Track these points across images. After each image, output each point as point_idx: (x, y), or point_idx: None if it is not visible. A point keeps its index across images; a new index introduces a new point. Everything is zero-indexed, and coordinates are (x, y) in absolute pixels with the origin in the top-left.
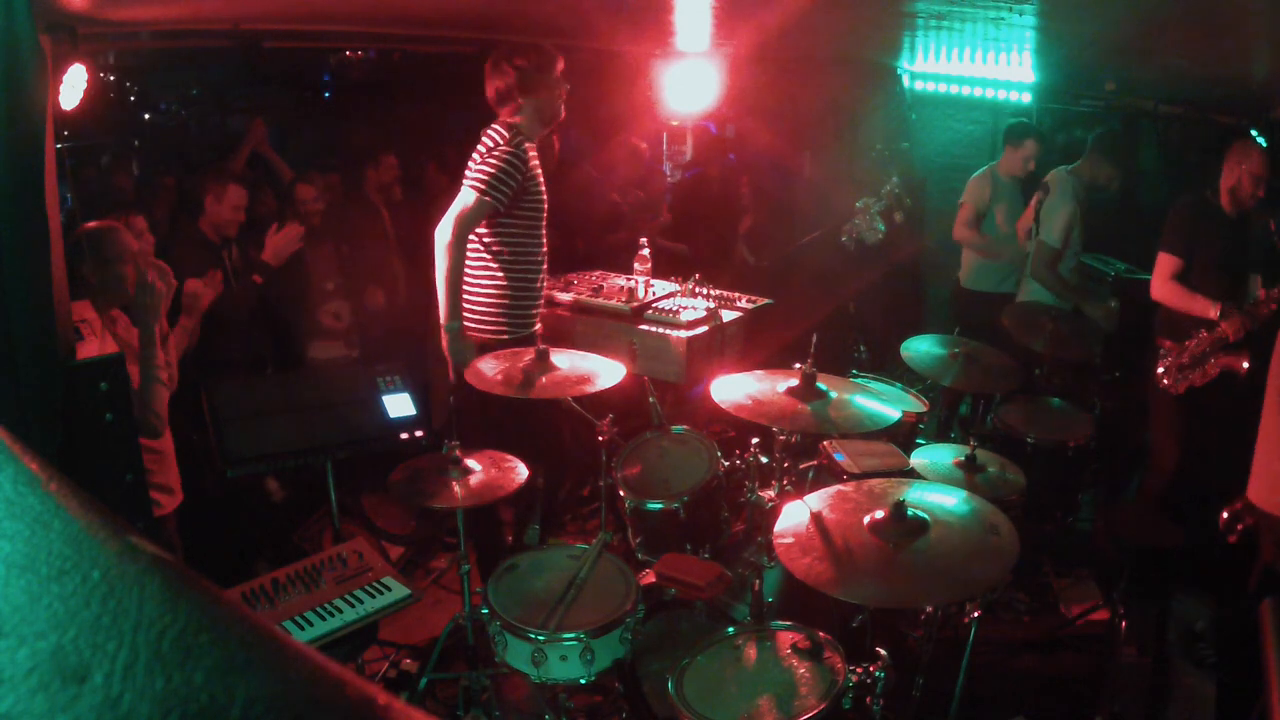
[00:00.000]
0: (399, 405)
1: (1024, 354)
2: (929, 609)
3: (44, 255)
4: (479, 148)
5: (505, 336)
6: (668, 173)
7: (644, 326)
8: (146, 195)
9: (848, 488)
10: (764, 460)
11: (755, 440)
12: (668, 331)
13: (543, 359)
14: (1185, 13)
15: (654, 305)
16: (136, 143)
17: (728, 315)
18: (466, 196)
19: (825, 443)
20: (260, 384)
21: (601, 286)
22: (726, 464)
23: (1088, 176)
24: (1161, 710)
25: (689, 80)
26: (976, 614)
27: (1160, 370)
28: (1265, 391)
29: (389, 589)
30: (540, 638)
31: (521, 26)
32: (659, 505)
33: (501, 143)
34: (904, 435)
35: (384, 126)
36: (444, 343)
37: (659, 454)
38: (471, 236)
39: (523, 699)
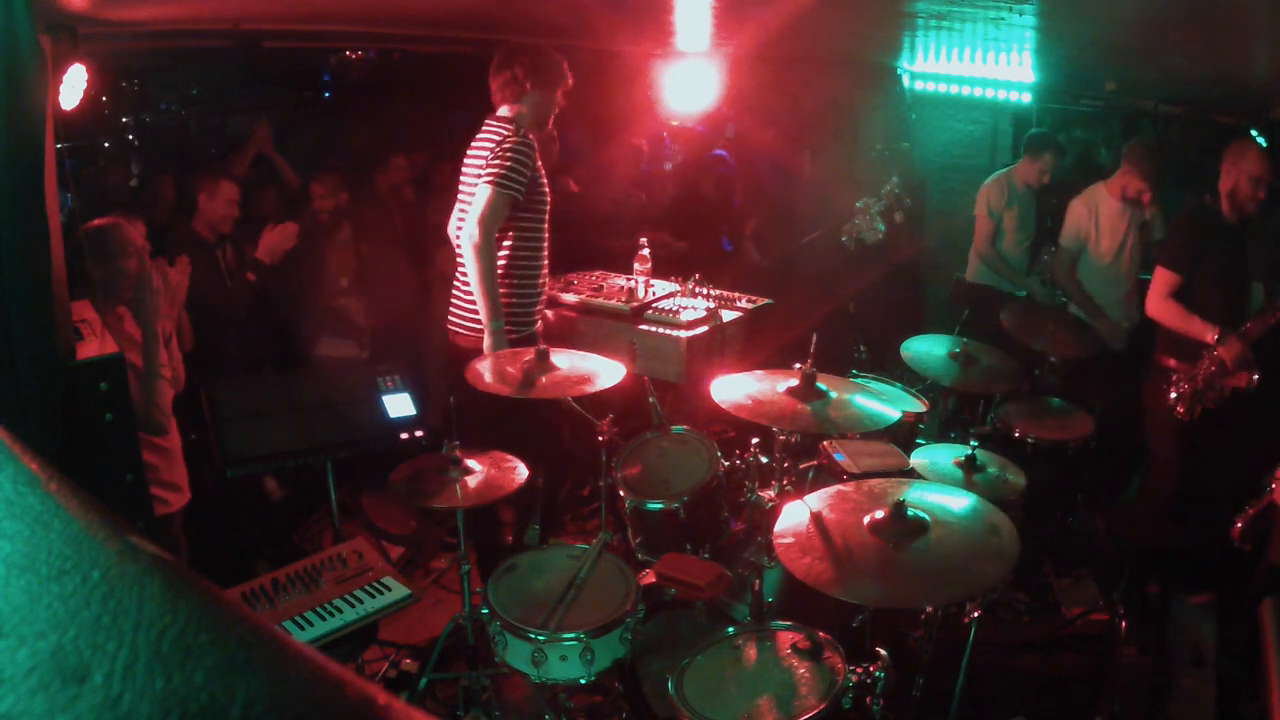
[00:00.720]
0: (399, 405)
1: (1024, 354)
2: (929, 609)
3: (44, 255)
4: (483, 143)
5: (513, 335)
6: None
7: (644, 326)
8: (145, 196)
9: (848, 488)
10: (764, 460)
11: (755, 440)
12: (668, 331)
13: (543, 359)
14: (1185, 13)
15: (654, 305)
16: (136, 143)
17: (728, 315)
18: (486, 193)
19: (825, 443)
20: (260, 384)
21: (601, 286)
22: (726, 464)
23: (1118, 189)
24: (1161, 710)
25: (689, 80)
26: (976, 614)
27: (1174, 396)
28: None
29: (389, 589)
30: (540, 638)
31: (521, 26)
32: (659, 505)
33: (509, 134)
34: (904, 435)
35: (384, 126)
36: (487, 344)
37: (659, 454)
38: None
39: (523, 699)
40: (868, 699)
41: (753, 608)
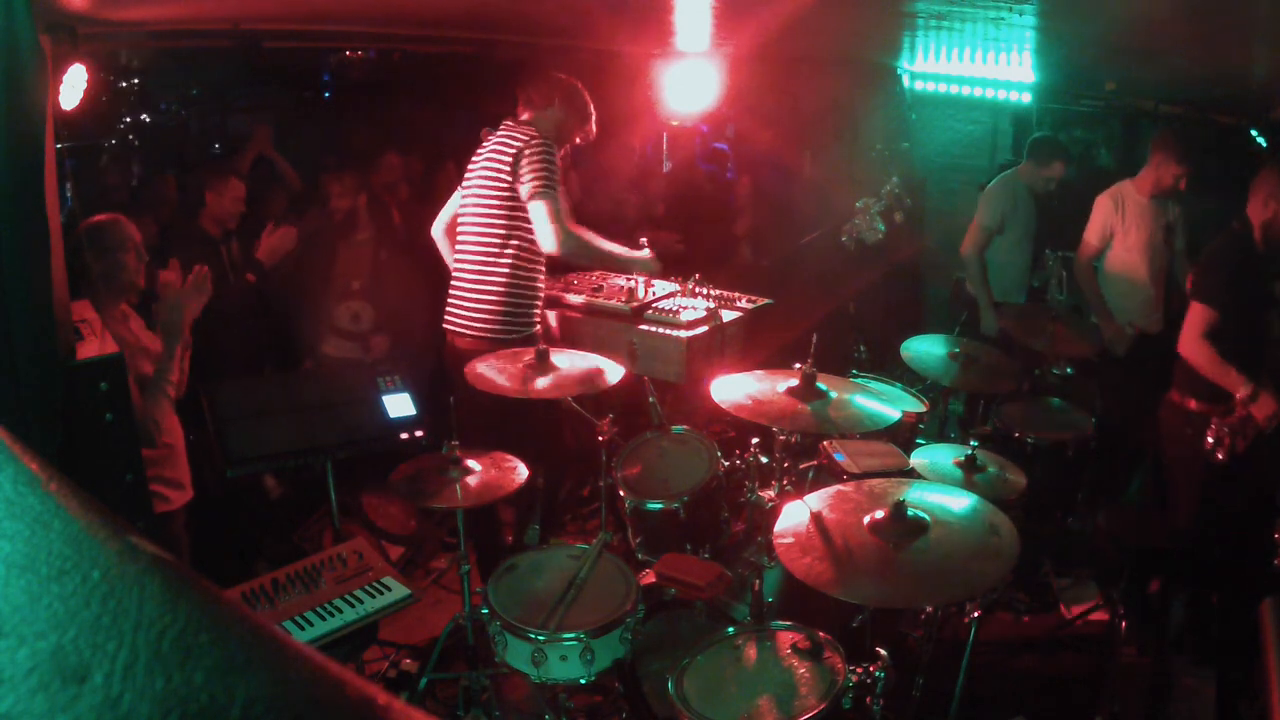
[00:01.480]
0: (399, 405)
1: (1024, 354)
2: (929, 609)
3: (44, 255)
4: (503, 147)
5: (514, 335)
6: (667, 171)
7: (644, 326)
8: (147, 195)
9: (848, 488)
10: (764, 460)
11: (755, 440)
12: (668, 331)
13: (543, 359)
14: (1185, 13)
15: (654, 305)
16: (136, 142)
17: (728, 315)
18: (541, 208)
19: (825, 443)
20: (260, 384)
21: (601, 286)
22: (726, 464)
23: (1149, 184)
24: (1161, 710)
25: (689, 80)
26: (976, 614)
27: (1210, 441)
28: None
29: (389, 589)
30: (540, 638)
31: (522, 26)
32: (659, 505)
33: (533, 137)
34: (904, 435)
35: (384, 126)
36: (646, 270)
37: (659, 454)
38: (487, 235)
39: (523, 699)
40: (868, 699)
41: (753, 608)
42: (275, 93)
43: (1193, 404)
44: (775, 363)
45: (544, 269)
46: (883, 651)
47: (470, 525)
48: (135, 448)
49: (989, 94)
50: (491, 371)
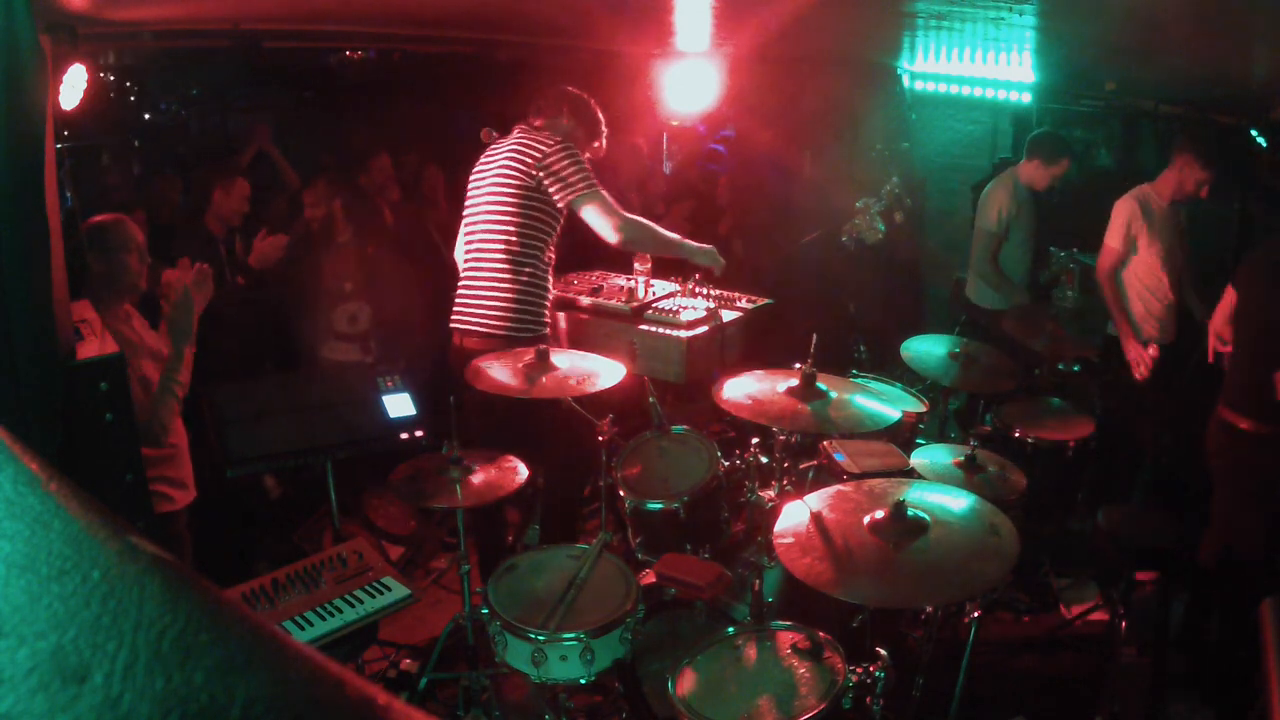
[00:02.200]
0: (399, 405)
1: (1024, 354)
2: (929, 609)
3: (44, 255)
4: (522, 152)
5: (527, 334)
6: (667, 173)
7: (644, 326)
8: (148, 195)
9: (848, 488)
10: (764, 460)
11: (755, 440)
12: (668, 331)
13: (543, 359)
14: (1185, 13)
15: (654, 305)
16: (136, 142)
17: (728, 315)
18: (591, 207)
19: (825, 443)
20: (260, 385)
21: (601, 286)
22: (726, 464)
23: (1170, 188)
24: (1161, 710)
25: (689, 80)
26: (976, 614)
27: None
28: None
29: (389, 589)
30: (540, 638)
31: (522, 26)
32: (659, 505)
33: (556, 142)
34: (904, 435)
35: (384, 127)
36: (705, 261)
37: (659, 454)
38: (502, 235)
39: (523, 699)
40: (868, 699)
41: (753, 608)
42: (275, 93)
43: (1246, 425)
44: (775, 363)
45: (553, 270)
46: (883, 651)
47: (473, 525)
48: (135, 448)
49: (989, 94)
50: (492, 371)
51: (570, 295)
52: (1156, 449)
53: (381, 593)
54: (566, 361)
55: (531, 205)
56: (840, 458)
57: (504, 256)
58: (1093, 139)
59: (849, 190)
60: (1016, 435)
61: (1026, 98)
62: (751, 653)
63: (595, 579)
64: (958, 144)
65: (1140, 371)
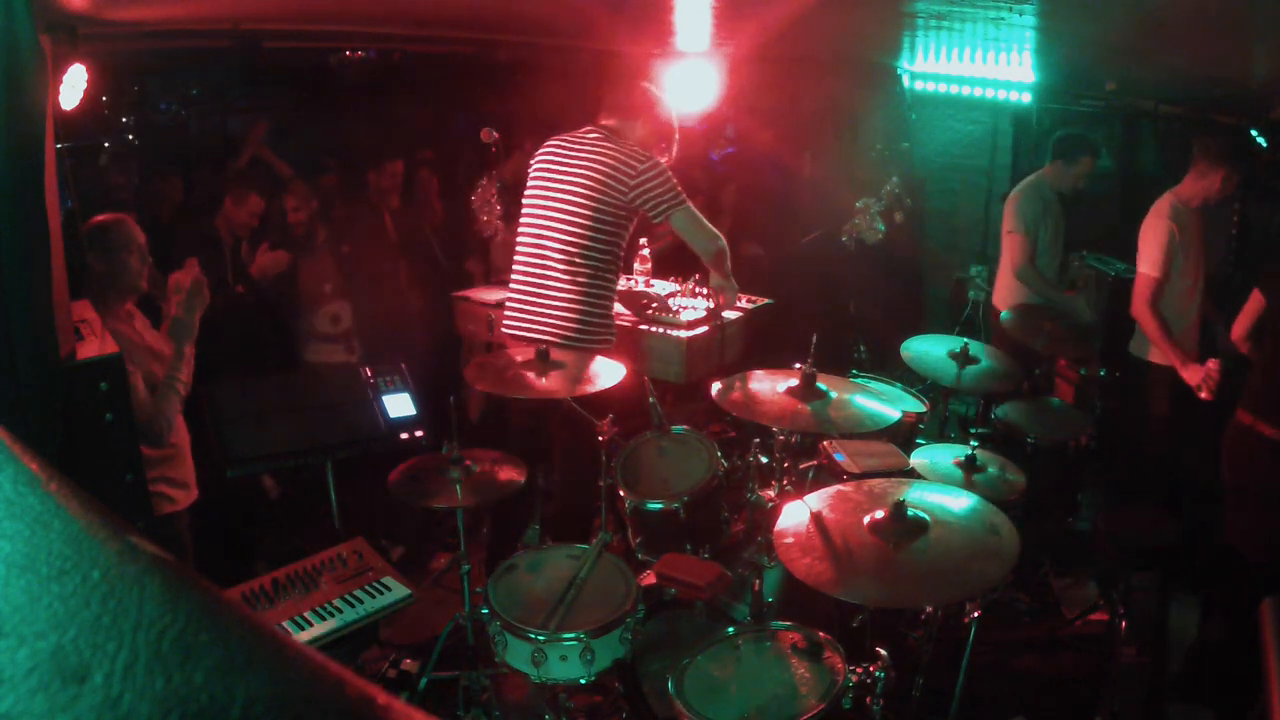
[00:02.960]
0: (399, 405)
1: (1024, 354)
2: (929, 609)
3: (44, 255)
4: (609, 164)
5: (604, 342)
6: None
7: (644, 326)
8: (149, 195)
9: (848, 488)
10: (764, 460)
11: (755, 440)
12: (668, 331)
13: (543, 359)
14: (1185, 13)
15: (654, 305)
16: (136, 143)
17: (728, 315)
18: (685, 209)
19: (825, 443)
20: (260, 385)
21: None
22: (726, 464)
23: (1198, 195)
24: (1161, 710)
25: (689, 80)
26: (976, 614)
27: None
28: None
29: (389, 589)
30: (540, 638)
31: (522, 26)
32: (659, 505)
33: (644, 159)
34: (904, 435)
35: (384, 127)
36: (727, 294)
37: (659, 454)
38: (576, 242)
39: (523, 699)
40: (868, 699)
41: (753, 608)
42: (275, 93)
43: (1269, 431)
44: (775, 363)
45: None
46: (883, 651)
47: (478, 524)
48: (135, 448)
49: (989, 94)
50: (492, 370)
51: None
52: (1160, 452)
53: (381, 593)
54: (567, 361)
55: (618, 218)
56: (840, 458)
57: (583, 265)
58: (1093, 139)
59: (849, 190)
60: (1016, 435)
61: (1026, 98)
62: (751, 653)
63: (595, 579)
64: (958, 144)
65: (1207, 391)
